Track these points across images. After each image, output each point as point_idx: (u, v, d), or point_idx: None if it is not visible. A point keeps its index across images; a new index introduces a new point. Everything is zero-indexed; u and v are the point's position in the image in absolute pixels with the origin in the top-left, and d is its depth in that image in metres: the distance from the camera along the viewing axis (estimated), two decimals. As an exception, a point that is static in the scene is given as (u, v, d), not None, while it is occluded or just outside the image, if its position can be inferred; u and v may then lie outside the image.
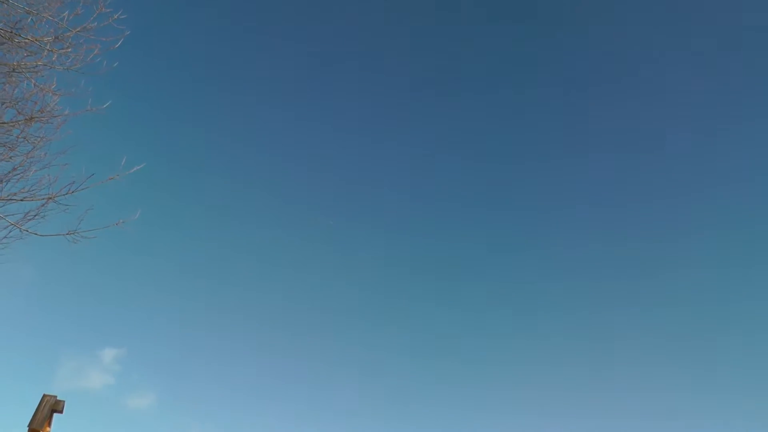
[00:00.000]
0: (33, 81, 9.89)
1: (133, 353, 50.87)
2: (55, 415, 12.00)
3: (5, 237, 9.96)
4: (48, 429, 11.87)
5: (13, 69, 8.98)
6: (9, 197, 9.60)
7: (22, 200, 9.78)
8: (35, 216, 9.79)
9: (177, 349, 55.91)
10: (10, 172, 9.82)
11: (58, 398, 12.03)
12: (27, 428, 11.50)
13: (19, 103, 9.62)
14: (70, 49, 10.12)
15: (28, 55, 9.82)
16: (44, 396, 11.93)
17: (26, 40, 9.39)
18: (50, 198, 9.70)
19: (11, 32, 8.93)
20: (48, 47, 9.59)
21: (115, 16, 10.36)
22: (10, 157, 9.83)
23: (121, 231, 10.38)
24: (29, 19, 9.31)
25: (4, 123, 9.42)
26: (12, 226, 9.66)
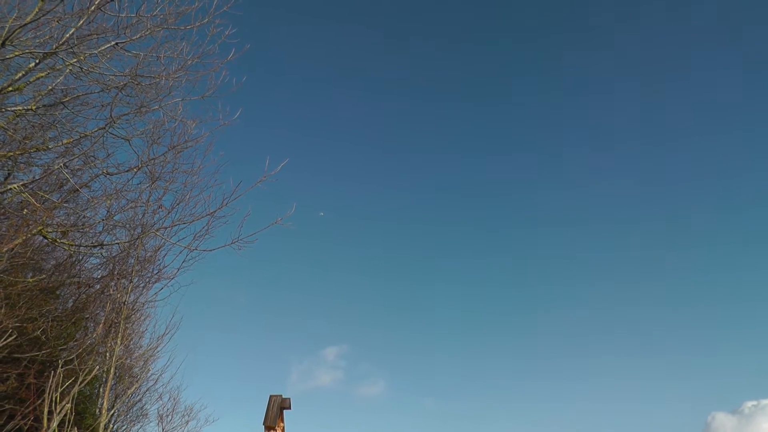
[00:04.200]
0: (172, 114, 10.66)
1: (354, 347, 54.26)
2: (285, 411, 12.97)
3: (184, 261, 10.94)
4: (282, 424, 12.86)
5: (141, 106, 9.73)
6: (175, 223, 10.51)
7: (191, 222, 10.66)
8: (203, 235, 10.58)
9: (395, 335, 58.53)
10: (173, 202, 10.77)
11: (283, 396, 12.97)
12: (263, 427, 12.59)
13: (162, 138, 10.45)
14: (198, 78, 10.82)
15: (162, 94, 10.62)
16: (271, 396, 12.95)
17: (152, 79, 10.13)
18: (210, 214, 10.40)
19: (134, 77, 9.71)
20: (171, 82, 10.25)
21: (227, 33, 10.81)
22: (170, 189, 10.77)
23: (281, 229, 10.75)
24: (146, 60, 10.03)
25: (153, 159, 10.31)
26: (186, 250, 10.56)
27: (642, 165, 68.54)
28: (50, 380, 8.22)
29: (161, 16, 9.49)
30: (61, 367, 8.49)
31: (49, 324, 10.55)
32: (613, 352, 58.78)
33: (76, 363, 10.28)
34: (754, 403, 45.31)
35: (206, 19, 9.64)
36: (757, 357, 54.22)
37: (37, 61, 9.00)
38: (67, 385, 8.49)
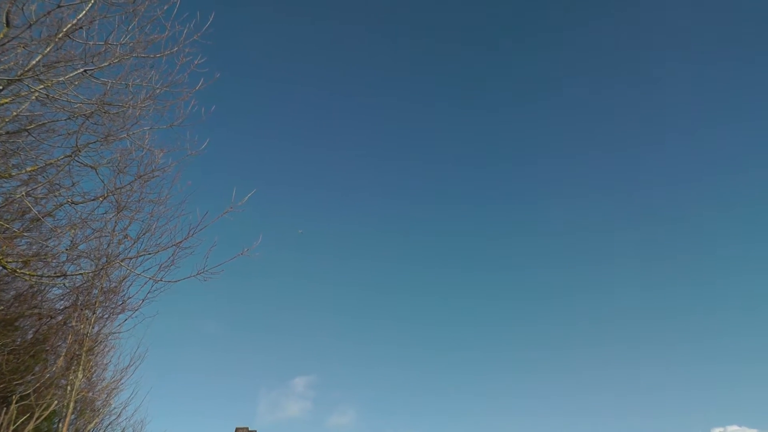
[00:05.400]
0: (140, 143, 10.53)
1: (324, 377, 53.75)
2: (251, 445, 12.64)
3: (149, 292, 10.71)
4: (248, 459, 12.52)
5: (108, 134, 9.60)
6: (141, 254, 10.31)
7: (156, 253, 10.45)
8: (169, 266, 10.39)
9: (364, 365, 58.26)
10: (139, 233, 10.58)
11: (249, 429, 12.64)
12: (229, 461, 12.23)
13: (129, 167, 10.30)
14: (166, 108, 10.72)
15: (129, 123, 10.49)
16: (237, 429, 12.61)
17: (120, 107, 10.01)
18: (176, 245, 10.22)
19: (102, 105, 9.58)
20: (139, 111, 10.14)
21: (196, 62, 10.76)
22: (136, 219, 10.58)
23: (250, 261, 10.61)
24: (114, 88, 9.91)
25: (120, 188, 10.14)
26: (150, 281, 10.34)
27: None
28: (2, 417, 7.88)
29: (130, 44, 9.42)
30: (15, 403, 8.16)
31: (5, 357, 10.18)
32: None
33: (33, 398, 9.90)
34: (721, 430, 45.63)
35: (176, 48, 9.61)
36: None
37: (1, 87, 8.84)
38: (21, 422, 8.15)
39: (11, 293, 12.49)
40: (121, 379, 14.37)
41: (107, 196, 10.73)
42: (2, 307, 11.57)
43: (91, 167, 10.60)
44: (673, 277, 63.89)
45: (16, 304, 12.22)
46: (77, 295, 13.10)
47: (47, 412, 9.59)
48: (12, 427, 8.07)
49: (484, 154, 74.69)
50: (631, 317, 63.08)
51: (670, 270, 64.14)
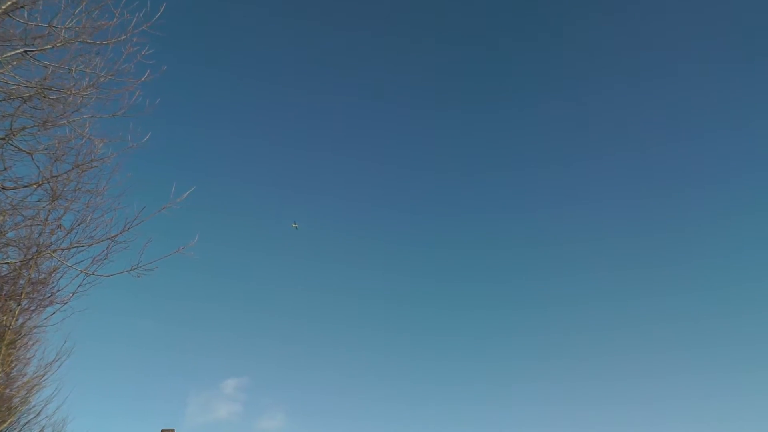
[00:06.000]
0: (80, 131, 10.21)
1: (255, 380, 53.21)
2: (177, 449, 12.34)
3: (80, 285, 10.37)
4: (173, 462, 12.21)
5: (47, 120, 9.28)
6: (74, 245, 9.97)
7: (90, 245, 10.13)
8: (102, 260, 10.08)
9: (297, 367, 57.95)
10: (73, 223, 10.23)
11: (175, 431, 12.35)
12: (152, 465, 11.92)
13: (67, 155, 9.97)
14: (110, 97, 10.42)
15: (69, 109, 10.16)
16: (162, 431, 12.29)
17: (61, 92, 9.69)
18: (110, 239, 9.93)
19: (41, 89, 9.26)
20: (81, 98, 9.84)
21: (143, 53, 10.51)
22: (71, 209, 10.24)
23: (186, 259, 10.42)
24: (56, 72, 9.59)
25: (56, 176, 9.80)
26: (82, 274, 10.02)
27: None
28: None
29: (76, 29, 9.15)
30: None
31: None
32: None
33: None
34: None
35: (123, 37, 9.38)
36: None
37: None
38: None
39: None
40: (44, 375, 13.81)
41: (42, 183, 10.33)
42: None
43: (27, 153, 10.19)
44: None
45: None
46: (2, 285, 12.55)
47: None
48: None
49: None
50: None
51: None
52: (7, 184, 10.28)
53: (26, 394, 13.16)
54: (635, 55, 72.52)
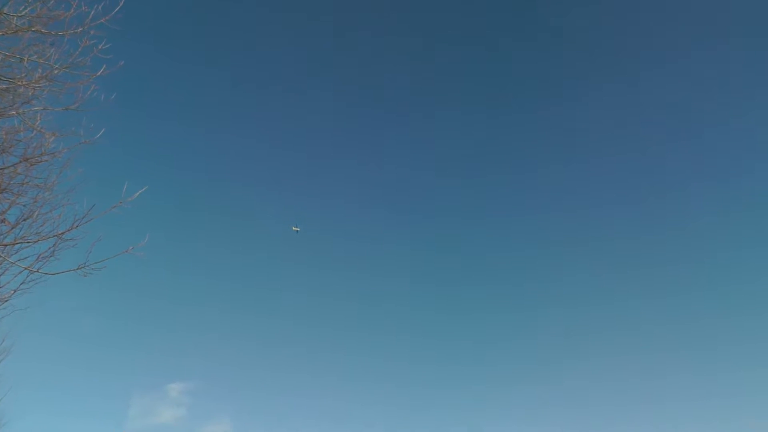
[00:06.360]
0: (30, 123, 9.86)
1: (201, 384, 52.41)
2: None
3: (23, 283, 9.99)
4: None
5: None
6: (18, 241, 9.60)
7: (35, 242, 9.77)
8: (48, 257, 9.73)
9: (244, 373, 57.26)
10: (19, 218, 9.85)
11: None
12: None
13: (15, 148, 9.62)
14: (63, 90, 10.09)
15: (20, 101, 9.81)
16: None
17: (11, 82, 9.35)
18: (57, 236, 9.60)
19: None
20: (32, 90, 9.50)
21: (100, 47, 10.21)
22: (18, 203, 9.87)
23: (134, 259, 10.15)
24: (7, 61, 9.26)
25: (2, 168, 9.44)
26: (26, 271, 9.65)
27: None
28: None
29: (30, 17, 8.85)
30: None
31: None
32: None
33: None
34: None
35: (80, 29, 9.10)
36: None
37: None
38: None
39: None
40: (-21, 375, 13.18)
41: (-14, 175, 9.94)
42: None
43: (-28, 143, 9.80)
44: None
45: None
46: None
47: None
48: None
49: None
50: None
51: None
52: (-51, 175, 9.87)
53: (-41, 394, 12.54)
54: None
